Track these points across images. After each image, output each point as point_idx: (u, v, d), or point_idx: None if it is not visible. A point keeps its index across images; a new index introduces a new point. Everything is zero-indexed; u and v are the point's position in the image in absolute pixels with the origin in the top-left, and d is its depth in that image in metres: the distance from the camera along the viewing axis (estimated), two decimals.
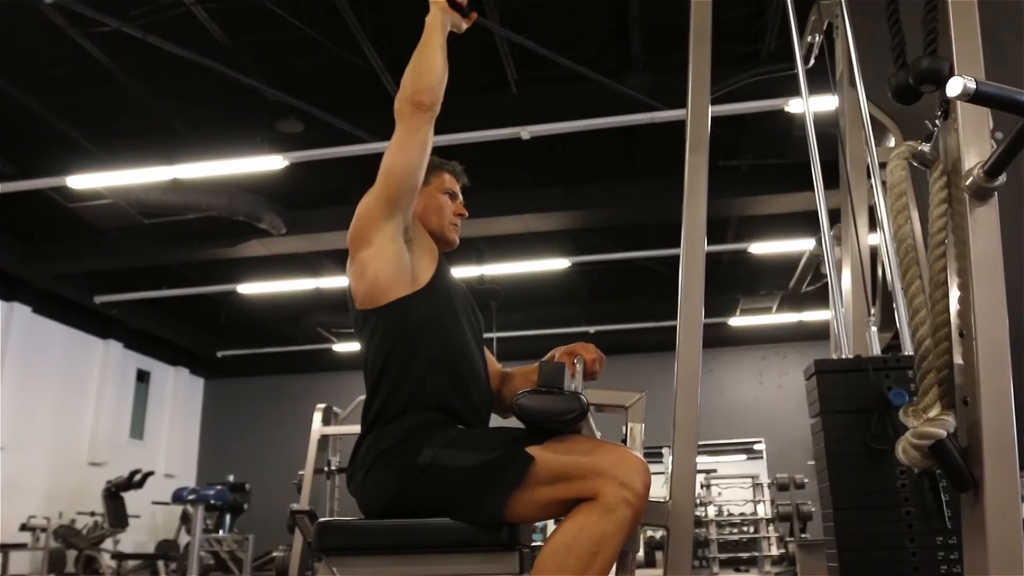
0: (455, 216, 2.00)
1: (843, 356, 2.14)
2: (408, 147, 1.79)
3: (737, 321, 11.45)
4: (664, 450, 8.88)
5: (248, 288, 10.22)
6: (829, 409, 1.78)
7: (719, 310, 11.09)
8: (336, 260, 9.05)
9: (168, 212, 7.97)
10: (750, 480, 9.89)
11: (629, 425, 1.80)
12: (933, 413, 1.34)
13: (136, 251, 9.18)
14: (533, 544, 1.76)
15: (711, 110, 2.01)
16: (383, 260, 1.79)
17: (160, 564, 8.88)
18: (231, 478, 10.32)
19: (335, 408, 6.44)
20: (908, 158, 1.47)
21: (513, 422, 1.65)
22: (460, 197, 2.03)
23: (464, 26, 1.98)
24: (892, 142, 2.50)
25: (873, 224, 2.43)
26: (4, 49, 6.34)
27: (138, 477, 9.44)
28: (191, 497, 7.63)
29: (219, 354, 13.03)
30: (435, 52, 1.84)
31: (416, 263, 1.83)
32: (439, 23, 1.89)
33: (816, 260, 8.46)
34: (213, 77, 6.34)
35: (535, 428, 1.62)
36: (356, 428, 1.82)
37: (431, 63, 1.83)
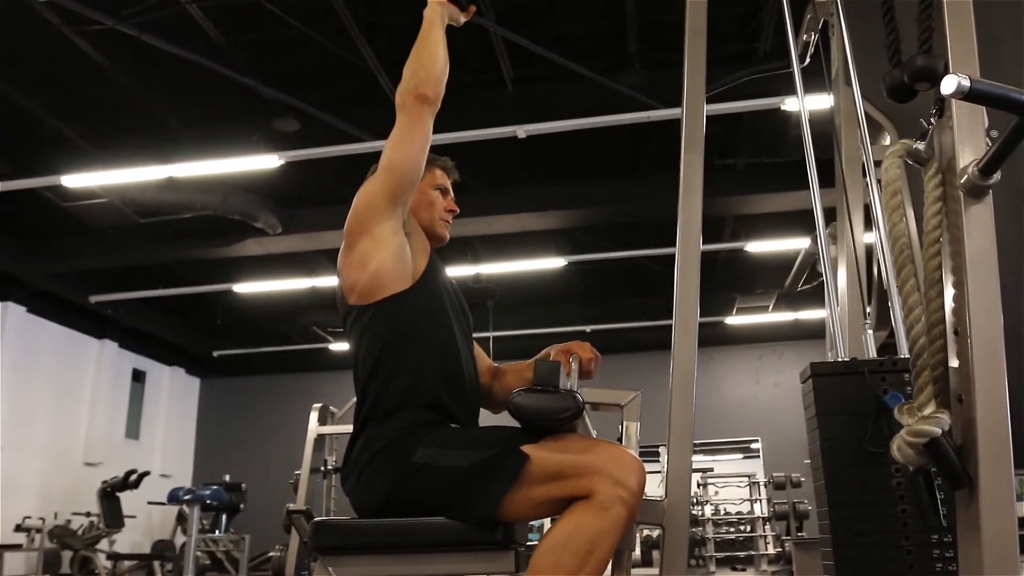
0: (446, 212, 1.98)
1: (839, 355, 2.14)
2: (411, 140, 1.79)
3: (733, 320, 11.46)
4: (660, 449, 8.88)
5: (244, 287, 10.21)
6: (825, 411, 1.78)
7: (715, 309, 11.10)
8: (332, 259, 9.01)
9: (164, 211, 7.96)
10: (746, 479, 9.90)
11: (625, 424, 1.80)
12: (928, 411, 1.34)
13: (131, 250, 9.16)
14: (529, 543, 1.76)
15: (707, 108, 2.01)
16: (386, 252, 1.78)
17: (156, 564, 8.86)
18: (227, 478, 10.31)
19: (331, 407, 6.44)
20: (903, 156, 1.47)
21: (504, 417, 1.65)
22: (451, 193, 2.02)
23: (462, 19, 1.98)
24: (887, 140, 2.51)
25: (869, 223, 2.44)
26: None
27: (134, 477, 9.41)
28: (187, 497, 7.61)
29: (215, 353, 13.01)
30: (436, 45, 1.84)
31: (410, 247, 1.83)
32: (438, 16, 1.89)
33: (812, 259, 8.47)
34: (208, 75, 6.32)
35: (530, 426, 1.62)
36: (351, 427, 1.82)
37: (432, 55, 1.82)
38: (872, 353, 2.16)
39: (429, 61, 1.81)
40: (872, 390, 1.74)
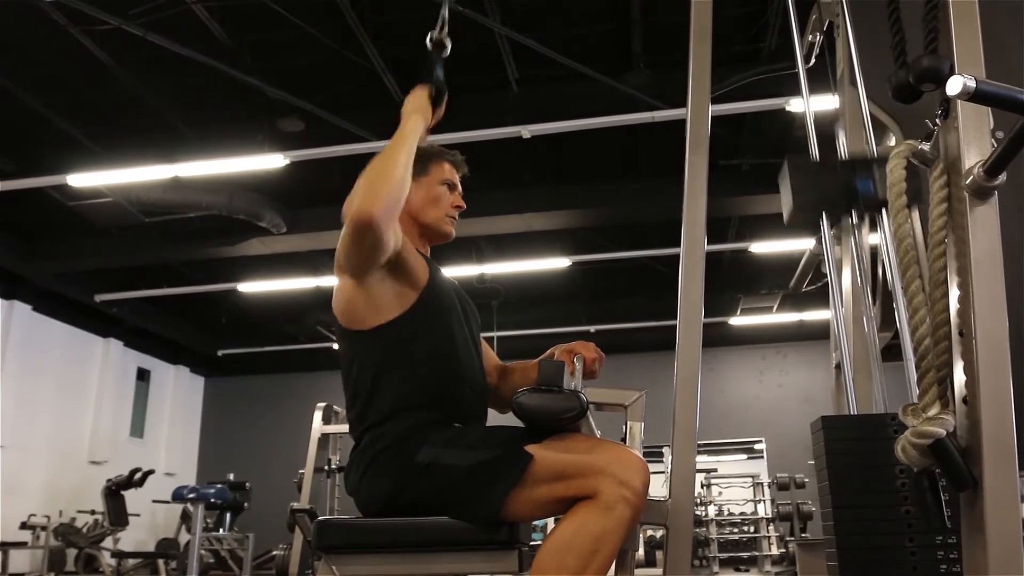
0: (453, 208, 1.94)
1: (843, 356, 2.13)
2: (356, 251, 1.67)
3: (738, 320, 11.45)
4: (664, 449, 8.87)
5: (248, 287, 10.22)
6: (801, 203, 1.78)
7: (720, 309, 11.09)
8: None
9: (169, 210, 7.97)
10: (750, 479, 9.88)
11: (629, 424, 1.79)
12: (932, 412, 1.34)
13: (136, 249, 9.18)
14: (532, 543, 1.76)
15: (711, 109, 2.01)
16: (360, 293, 1.75)
17: (160, 563, 8.88)
18: (231, 477, 10.32)
19: (335, 407, 6.44)
20: (908, 157, 1.46)
21: (511, 418, 1.65)
22: (459, 188, 1.97)
23: (431, 123, 1.89)
24: (892, 141, 2.50)
25: (873, 223, 2.43)
26: (4, 47, 6.34)
27: (138, 476, 9.43)
28: (191, 495, 7.61)
29: (219, 352, 13.04)
30: (400, 161, 1.67)
31: (401, 283, 1.77)
32: (416, 132, 1.77)
33: (816, 259, 8.45)
34: (214, 75, 6.34)
35: (534, 426, 1.62)
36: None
37: (391, 175, 1.64)
38: (877, 354, 2.16)
39: (385, 179, 1.63)
40: (845, 181, 1.74)
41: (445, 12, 1.93)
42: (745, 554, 9.30)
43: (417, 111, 1.81)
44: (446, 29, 1.92)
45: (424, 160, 1.87)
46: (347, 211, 1.62)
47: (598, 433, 1.77)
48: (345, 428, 6.26)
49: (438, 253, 2.01)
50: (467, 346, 1.86)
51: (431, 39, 1.92)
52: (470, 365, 1.85)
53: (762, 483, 9.70)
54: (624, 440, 1.77)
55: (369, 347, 1.77)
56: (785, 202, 1.85)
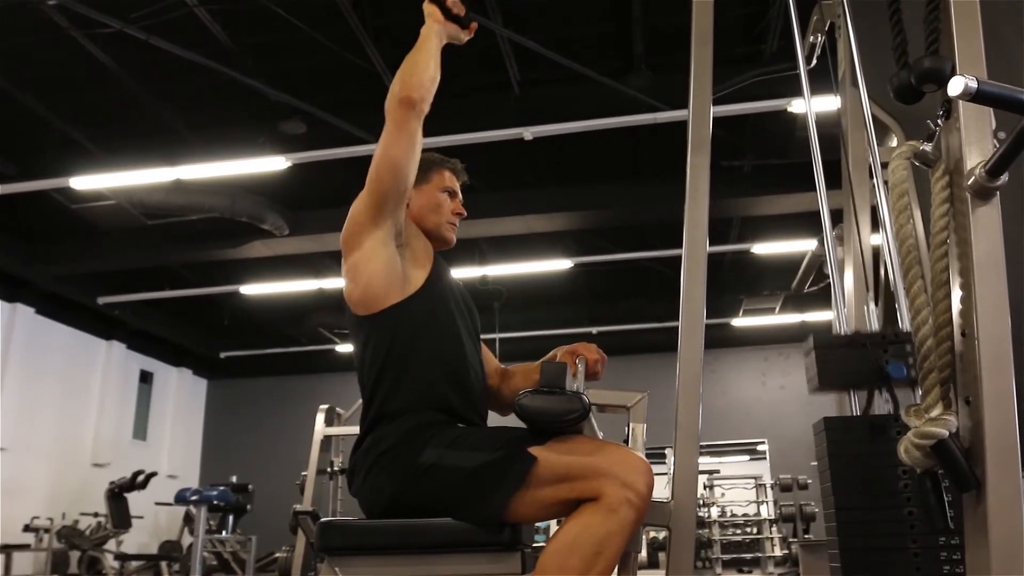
0: (453, 215, 1.97)
1: None
2: (395, 147, 1.74)
3: (740, 322, 11.45)
4: (667, 451, 8.87)
5: (251, 289, 10.23)
6: (827, 383, 1.77)
7: (722, 311, 11.09)
8: (339, 261, 9.02)
9: (171, 213, 7.99)
10: (753, 481, 9.88)
11: (631, 425, 1.79)
12: (935, 413, 1.34)
13: (139, 252, 9.20)
14: (535, 544, 1.76)
15: (713, 110, 2.01)
16: (375, 265, 1.77)
17: (163, 565, 8.88)
18: (234, 479, 10.33)
19: (338, 409, 6.44)
20: (910, 158, 1.46)
21: (512, 420, 1.65)
22: (460, 196, 2.00)
23: (464, 37, 1.94)
24: (894, 142, 2.50)
25: (875, 224, 2.43)
26: (7, 50, 6.36)
27: (141, 478, 9.43)
28: (194, 498, 7.63)
29: (222, 355, 13.05)
30: (426, 56, 1.80)
31: (409, 266, 1.80)
32: (433, 32, 1.85)
33: (819, 260, 8.44)
34: (216, 78, 6.35)
35: (537, 428, 1.62)
36: (358, 429, 1.82)
37: (421, 65, 1.78)
38: None
39: (417, 69, 1.77)
40: (874, 361, 1.73)
41: None
42: (748, 555, 9.30)
43: (427, 17, 1.89)
44: None
45: (425, 167, 1.89)
46: (389, 102, 1.75)
47: (601, 435, 1.77)
48: (347, 430, 6.27)
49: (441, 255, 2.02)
50: (470, 348, 1.87)
51: None
52: (473, 367, 1.86)
53: (765, 484, 9.70)
54: (626, 442, 1.77)
55: (381, 331, 1.78)
56: (810, 377, 1.84)
